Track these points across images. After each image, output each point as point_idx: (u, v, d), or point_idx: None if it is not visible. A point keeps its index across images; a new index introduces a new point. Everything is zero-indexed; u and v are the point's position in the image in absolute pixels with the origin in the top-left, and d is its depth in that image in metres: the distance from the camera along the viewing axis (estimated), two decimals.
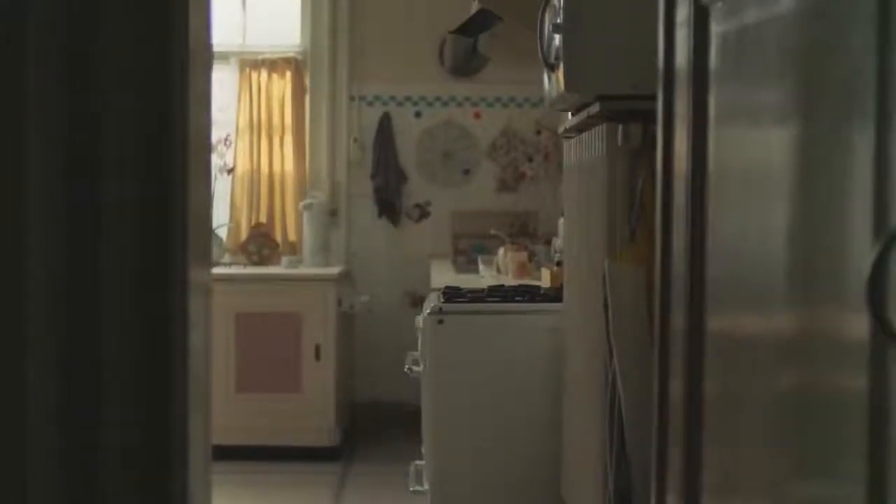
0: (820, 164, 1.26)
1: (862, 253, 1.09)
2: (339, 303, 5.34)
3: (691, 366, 1.74)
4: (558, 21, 2.53)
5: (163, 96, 1.59)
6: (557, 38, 2.58)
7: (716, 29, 1.59)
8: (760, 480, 1.51)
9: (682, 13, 1.71)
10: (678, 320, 1.79)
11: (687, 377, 1.75)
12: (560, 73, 2.58)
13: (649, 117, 1.91)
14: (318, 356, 5.20)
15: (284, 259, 5.59)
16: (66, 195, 1.52)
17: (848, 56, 1.17)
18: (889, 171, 1.06)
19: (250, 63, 5.77)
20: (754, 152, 1.50)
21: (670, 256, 1.82)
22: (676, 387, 1.80)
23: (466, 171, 5.91)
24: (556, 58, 2.60)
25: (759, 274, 1.49)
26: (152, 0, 1.58)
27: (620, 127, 2.42)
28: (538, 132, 5.79)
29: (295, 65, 5.84)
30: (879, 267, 1.05)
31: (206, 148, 1.93)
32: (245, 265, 5.57)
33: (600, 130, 2.55)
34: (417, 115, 5.90)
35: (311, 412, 5.18)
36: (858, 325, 1.12)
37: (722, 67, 1.59)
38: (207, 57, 1.83)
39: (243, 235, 5.74)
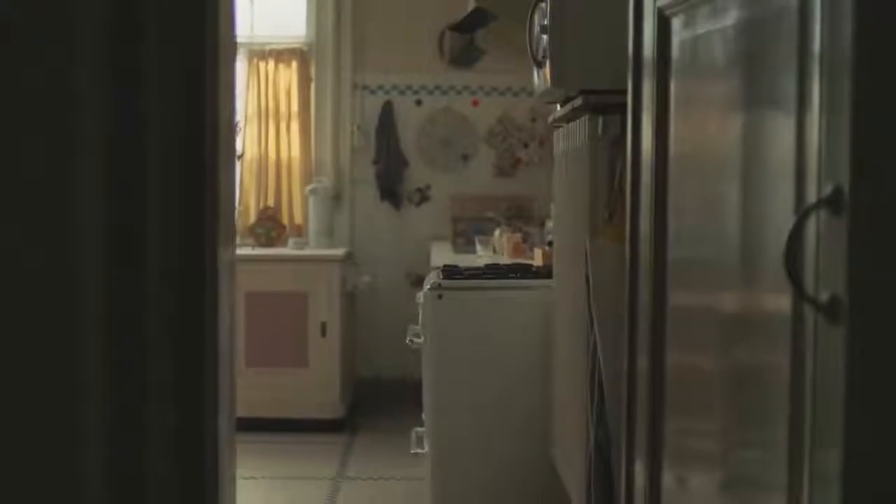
0: (754, 151, 1.45)
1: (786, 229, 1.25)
2: (344, 282, 5.47)
3: (655, 341, 1.89)
4: (545, 23, 2.72)
5: (196, 87, 1.66)
6: (545, 38, 2.75)
7: (675, 37, 1.80)
8: (710, 448, 1.67)
9: (648, 21, 1.90)
10: (644, 298, 1.94)
11: (651, 352, 1.90)
12: (547, 69, 2.76)
13: (627, 110, 2.05)
14: (323, 333, 5.35)
15: (291, 241, 5.71)
16: (111, 183, 1.60)
17: (774, 61, 1.37)
18: (806, 155, 1.26)
19: (258, 53, 5.87)
20: (704, 142, 1.69)
21: (637, 238, 1.98)
22: (643, 362, 1.94)
23: (465, 157, 6.02)
24: (544, 56, 2.78)
25: (707, 252, 1.66)
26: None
27: (601, 118, 2.59)
28: (533, 120, 5.90)
29: (301, 55, 5.95)
30: (796, 236, 1.24)
31: (232, 134, 2.01)
32: (253, 246, 5.69)
33: (583, 121, 2.71)
34: (418, 103, 6.00)
35: (317, 386, 5.32)
36: (787, 300, 1.28)
37: (680, 67, 1.79)
38: (232, 49, 1.90)
39: (252, 218, 5.85)
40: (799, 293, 1.24)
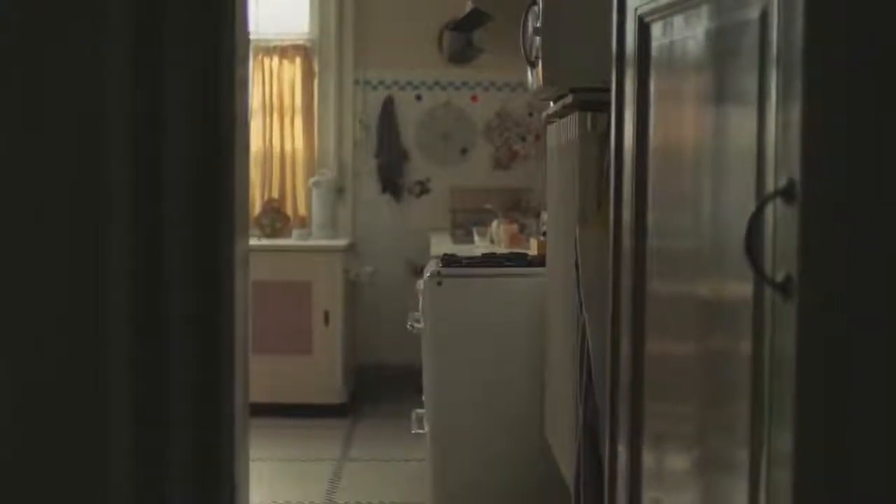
0: (723, 145, 1.56)
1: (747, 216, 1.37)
2: (346, 272, 5.59)
3: (636, 328, 1.96)
4: (538, 25, 2.83)
5: (216, 84, 1.78)
6: (537, 40, 2.86)
7: (654, 41, 1.92)
8: (684, 430, 1.73)
9: (630, 27, 2.02)
10: (626, 287, 2.02)
11: (632, 338, 1.97)
12: (540, 68, 2.87)
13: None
14: (326, 321, 5.47)
15: (295, 232, 5.81)
16: (137, 178, 1.70)
17: (739, 66, 1.49)
18: (765, 150, 1.38)
19: (263, 50, 5.96)
20: (679, 137, 1.80)
21: (620, 229, 2.07)
22: (625, 347, 2.02)
23: (464, 151, 6.11)
24: (537, 56, 2.88)
25: (681, 241, 1.76)
26: (207, 1, 1.78)
27: (590, 115, 2.69)
28: (530, 114, 5.98)
29: (304, 51, 6.05)
30: (755, 223, 1.36)
31: (247, 128, 2.07)
32: (259, 238, 5.77)
33: (574, 118, 2.81)
34: (418, 98, 6.09)
35: (321, 372, 5.45)
36: (750, 284, 1.39)
37: (658, 68, 1.90)
38: (246, 47, 2.00)
39: (257, 210, 5.93)
40: (758, 274, 1.36)
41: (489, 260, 4.03)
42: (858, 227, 1.30)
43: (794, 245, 1.30)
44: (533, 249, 4.25)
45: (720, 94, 1.60)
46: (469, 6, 4.95)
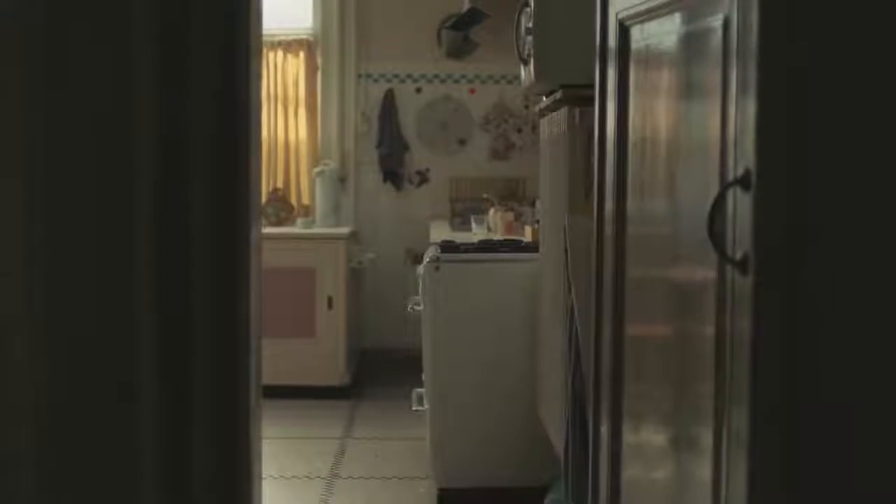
0: (692, 138, 1.68)
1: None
2: (349, 259, 5.68)
3: (616, 312, 2.05)
4: (530, 25, 2.97)
5: (233, 79, 1.70)
6: (529, 39, 3.00)
7: (634, 44, 2.05)
8: (659, 410, 1.81)
9: (612, 30, 2.15)
10: (608, 272, 2.11)
11: (613, 322, 2.05)
12: (532, 66, 3.01)
13: None
14: (330, 306, 5.58)
15: (299, 220, 5.92)
16: (159, 173, 1.63)
17: (705, 65, 1.62)
18: (727, 140, 1.50)
19: (267, 44, 6.03)
20: (654, 131, 1.92)
21: (603, 217, 2.17)
22: (607, 331, 2.10)
23: (462, 141, 6.21)
24: (529, 54, 3.03)
25: (655, 228, 1.86)
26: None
27: (578, 110, 2.82)
28: (526, 107, 6.06)
29: (308, 46, 6.15)
30: (718, 208, 1.48)
31: (258, 121, 2.02)
32: (264, 226, 5.82)
33: (563, 112, 2.94)
34: (418, 91, 6.19)
35: (324, 356, 5.55)
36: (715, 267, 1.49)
37: (637, 67, 2.03)
38: (259, 42, 1.90)
39: (262, 199, 5.89)
40: (720, 254, 1.49)
41: (485, 246, 4.14)
42: (807, 211, 1.42)
43: (749, 227, 1.42)
44: (528, 236, 4.37)
45: (689, 91, 1.73)
46: (466, 5, 5.04)
